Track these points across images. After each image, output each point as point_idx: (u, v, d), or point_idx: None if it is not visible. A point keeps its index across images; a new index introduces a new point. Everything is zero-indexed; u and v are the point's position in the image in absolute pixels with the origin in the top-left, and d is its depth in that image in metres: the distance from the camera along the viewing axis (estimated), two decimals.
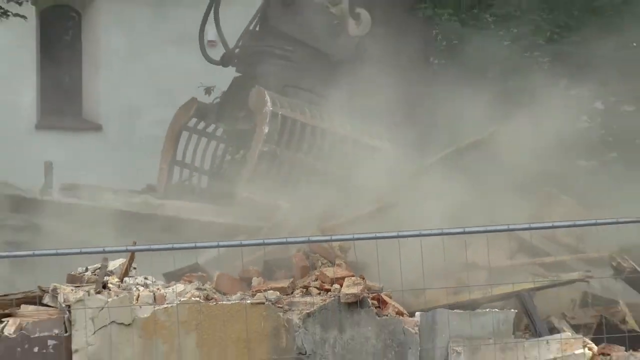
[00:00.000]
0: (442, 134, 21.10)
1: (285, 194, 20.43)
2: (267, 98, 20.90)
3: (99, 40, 36.44)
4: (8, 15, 28.07)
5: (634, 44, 25.47)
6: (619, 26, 26.68)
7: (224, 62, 21.69)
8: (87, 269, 18.32)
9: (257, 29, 21.36)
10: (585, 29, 27.69)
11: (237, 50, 21.59)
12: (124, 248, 18.31)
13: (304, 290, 17.77)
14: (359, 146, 21.36)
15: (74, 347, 17.01)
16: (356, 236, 18.02)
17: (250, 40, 21.44)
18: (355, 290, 17.42)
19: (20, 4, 28.94)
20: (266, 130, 20.62)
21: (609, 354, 17.34)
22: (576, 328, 17.96)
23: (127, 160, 25.22)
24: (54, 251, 18.51)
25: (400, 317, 17.48)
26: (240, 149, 21.27)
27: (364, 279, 17.79)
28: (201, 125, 22.18)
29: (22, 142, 31.74)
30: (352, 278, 17.80)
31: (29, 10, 31.01)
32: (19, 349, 17.02)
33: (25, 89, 35.27)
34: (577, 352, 17.18)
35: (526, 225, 18.19)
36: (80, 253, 18.57)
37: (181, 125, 21.96)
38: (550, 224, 18.03)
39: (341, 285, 17.61)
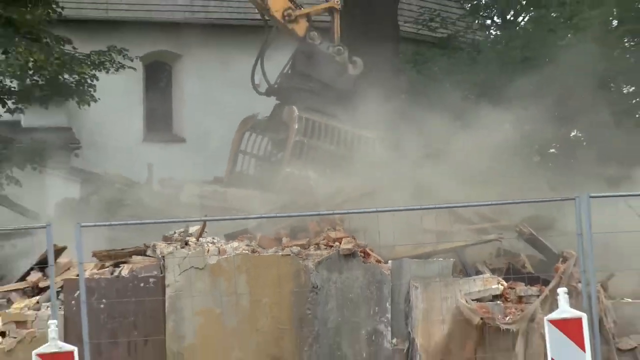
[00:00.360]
0: (413, 140, 21.22)
1: (312, 169, 20.58)
2: (294, 108, 21.05)
3: (183, 83, 36.40)
4: (125, 68, 27.98)
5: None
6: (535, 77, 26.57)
7: (268, 93, 21.78)
8: (175, 232, 18.59)
9: (289, 71, 21.39)
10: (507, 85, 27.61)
11: (275, 86, 21.66)
12: (199, 219, 18.68)
13: (316, 246, 18.05)
14: (355, 136, 21.44)
15: (166, 283, 17.31)
16: (349, 211, 18.46)
17: (285, 79, 21.46)
18: (349, 246, 17.77)
19: (132, 60, 28.87)
20: (296, 127, 20.73)
21: (513, 288, 17.52)
22: (493, 271, 18.13)
23: (201, 163, 25.27)
24: (153, 221, 18.91)
25: (379, 264, 17.77)
26: (280, 149, 21.35)
27: (354, 239, 18.09)
28: (256, 132, 22.19)
29: (134, 151, 31.75)
30: (347, 238, 18.11)
31: (138, 64, 31.04)
32: (130, 284, 17.28)
33: (136, 116, 35.26)
34: (493, 286, 17.41)
35: (462, 204, 18.56)
36: (171, 222, 19.00)
37: (243, 131, 22.03)
38: (475, 203, 18.34)
39: (340, 243, 17.91)
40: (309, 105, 21.25)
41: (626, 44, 36.82)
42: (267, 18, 21.20)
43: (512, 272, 18.32)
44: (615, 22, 38.58)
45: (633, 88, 35.10)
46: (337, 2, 21.50)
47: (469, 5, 47.27)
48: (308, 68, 21.26)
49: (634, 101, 35.52)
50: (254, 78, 21.82)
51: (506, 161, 20.33)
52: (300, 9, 21.16)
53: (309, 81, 21.30)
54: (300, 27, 20.89)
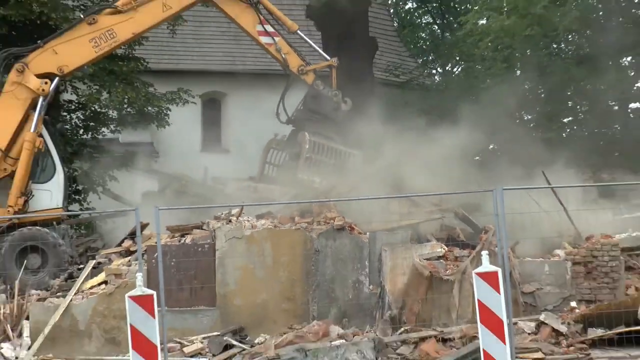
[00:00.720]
0: (386, 151, 21.04)
1: (317, 176, 20.40)
2: (306, 134, 20.84)
3: (229, 112, 36.35)
4: (188, 102, 27.80)
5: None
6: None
7: (287, 122, 21.60)
8: (222, 214, 18.44)
9: (302, 107, 21.22)
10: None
11: (292, 117, 21.49)
12: (238, 204, 18.55)
13: (318, 222, 17.89)
14: (346, 153, 21.22)
15: (216, 247, 17.22)
16: (340, 199, 18.30)
17: (298, 112, 21.27)
18: (340, 223, 17.65)
19: (193, 97, 28.68)
20: (307, 147, 20.55)
21: (451, 251, 17.36)
22: (437, 240, 17.98)
23: (240, 167, 25.06)
24: (207, 206, 18.80)
25: (360, 235, 17.64)
26: (294, 161, 21.12)
27: (344, 218, 17.93)
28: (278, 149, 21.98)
29: (194, 158, 31.60)
30: (339, 217, 17.93)
31: (198, 100, 30.90)
32: (192, 249, 17.26)
33: (195, 134, 35.27)
34: (437, 250, 17.26)
35: (415, 194, 18.40)
36: (219, 206, 18.91)
37: (269, 148, 21.84)
38: (425, 194, 18.19)
39: (334, 221, 17.74)
40: (315, 131, 21.05)
41: (525, 87, 36.85)
42: (287, 71, 20.90)
43: (450, 241, 18.29)
44: (518, 72, 38.55)
45: (530, 116, 35.09)
46: (335, 61, 21.39)
47: (421, 60, 47.18)
48: (314, 105, 21.11)
49: (531, 125, 35.47)
50: (278, 111, 21.56)
51: (450, 165, 20.16)
52: (309, 65, 20.98)
53: (315, 114, 21.13)
54: (309, 78, 20.79)
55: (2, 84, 19.34)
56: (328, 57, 21.63)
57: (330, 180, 20.35)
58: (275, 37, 20.80)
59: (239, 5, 20.59)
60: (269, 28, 20.80)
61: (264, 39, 20.85)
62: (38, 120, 19.33)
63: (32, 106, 19.31)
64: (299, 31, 21.57)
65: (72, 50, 19.58)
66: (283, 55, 20.75)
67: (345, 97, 21.24)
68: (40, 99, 19.31)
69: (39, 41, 20.10)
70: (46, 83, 19.27)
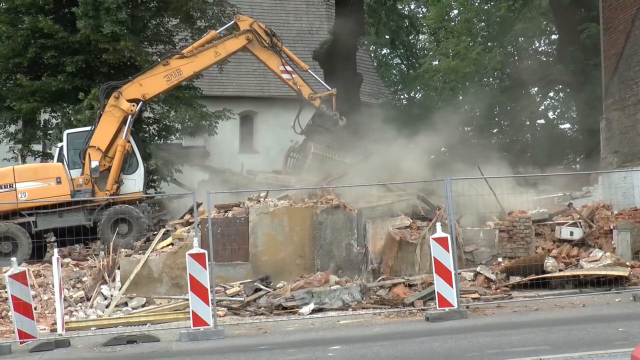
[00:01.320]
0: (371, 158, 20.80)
1: (316, 176, 20.11)
2: (312, 144, 20.64)
3: (259, 125, 36.43)
4: (229, 118, 27.59)
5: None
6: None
7: (300, 133, 21.37)
8: (254, 196, 18.21)
9: (311, 123, 20.99)
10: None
11: (304, 130, 21.26)
12: (265, 189, 18.31)
13: (321, 202, 17.62)
14: (339, 161, 21.01)
15: (250, 220, 17.00)
16: (337, 185, 18.06)
17: (309, 126, 21.06)
18: (337, 203, 17.40)
19: (233, 114, 28.54)
20: (310, 157, 20.41)
21: (415, 222, 17.19)
22: (405, 215, 17.72)
23: (267, 163, 24.88)
24: (243, 190, 18.55)
25: (351, 211, 17.38)
26: (304, 163, 20.86)
27: (340, 199, 17.69)
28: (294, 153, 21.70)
29: (234, 156, 31.39)
30: (336, 198, 17.67)
31: (236, 116, 30.83)
32: (232, 220, 17.03)
33: (235, 140, 35.14)
34: (405, 222, 17.10)
35: (388, 182, 18.18)
36: (251, 191, 18.65)
37: (288, 154, 21.58)
38: (396, 182, 18.00)
39: (332, 201, 17.50)
40: (320, 140, 20.88)
41: (465, 107, 36.81)
42: (300, 98, 20.81)
43: (414, 215, 18.04)
44: (460, 97, 38.42)
45: (469, 128, 34.92)
46: (335, 90, 21.44)
47: (393, 89, 46.98)
48: (320, 122, 21.03)
49: (470, 134, 35.31)
50: (294, 125, 21.35)
51: (414, 162, 19.94)
52: (317, 93, 21.01)
53: (320, 127, 20.98)
54: (317, 102, 20.83)
55: (103, 106, 19.75)
56: (329, 88, 21.59)
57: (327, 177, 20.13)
58: (292, 74, 20.84)
59: (267, 52, 20.65)
60: (289, 68, 20.82)
61: (284, 76, 20.91)
62: (128, 131, 19.65)
63: (124, 121, 19.62)
64: (309, 70, 21.53)
65: (152, 83, 20.04)
66: (298, 87, 20.74)
67: (342, 115, 21.10)
68: (130, 117, 19.65)
69: (129, 77, 20.68)
70: (134, 105, 19.67)
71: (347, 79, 27.50)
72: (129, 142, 19.66)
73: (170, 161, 25.79)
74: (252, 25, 20.52)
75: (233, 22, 21.30)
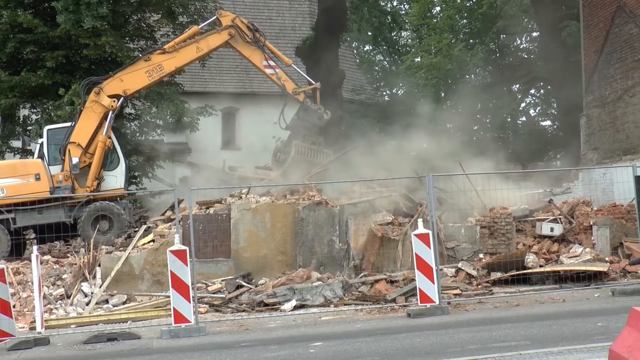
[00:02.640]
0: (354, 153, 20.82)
1: (300, 169, 20.07)
2: (294, 142, 20.55)
3: (242, 121, 36.26)
4: (212, 114, 27.56)
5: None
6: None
7: (285, 129, 21.27)
8: (235, 192, 18.15)
9: (296, 118, 20.86)
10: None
11: (289, 125, 21.15)
12: (246, 186, 18.25)
13: (303, 199, 17.59)
14: (322, 152, 20.95)
15: (231, 216, 16.95)
16: (319, 182, 18.06)
17: (293, 122, 20.92)
18: (319, 199, 17.38)
19: (215, 110, 28.44)
20: (292, 153, 20.33)
21: (397, 219, 17.19)
22: (388, 211, 17.73)
23: (248, 159, 24.81)
24: (225, 187, 18.48)
25: (332, 207, 17.35)
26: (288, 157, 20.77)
27: (321, 195, 17.68)
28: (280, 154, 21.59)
29: (216, 153, 31.31)
30: (318, 195, 17.66)
31: (219, 113, 30.68)
32: (214, 217, 16.96)
33: (217, 136, 34.96)
34: (387, 218, 17.12)
35: (369, 179, 18.18)
36: (233, 187, 18.55)
37: (275, 153, 21.39)
38: (377, 179, 17.99)
39: (314, 197, 17.47)
40: (306, 134, 20.80)
41: (447, 104, 36.87)
42: (284, 93, 20.71)
43: (396, 211, 18.05)
44: (442, 94, 38.51)
45: (450, 125, 35.03)
46: (319, 84, 21.28)
47: (375, 85, 47.00)
48: (305, 116, 20.80)
49: (451, 131, 35.39)
50: (279, 120, 21.24)
51: (395, 158, 19.97)
52: (300, 88, 20.84)
53: (305, 122, 20.79)
54: (301, 97, 20.59)
55: (84, 102, 19.58)
56: (313, 82, 21.46)
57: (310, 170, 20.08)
58: (276, 69, 20.64)
59: (250, 48, 20.44)
60: (272, 63, 20.64)
61: (268, 71, 20.72)
62: (108, 127, 19.52)
63: (104, 117, 19.45)
64: (292, 65, 21.35)
65: (133, 78, 19.82)
66: (282, 82, 20.56)
67: (326, 110, 21.02)
68: (110, 112, 19.49)
69: (110, 72, 20.49)
70: (115, 101, 19.46)
71: (330, 76, 27.46)
72: (109, 138, 19.51)
73: (152, 157, 25.70)
74: (235, 20, 20.33)
75: (215, 17, 21.11)
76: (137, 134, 26.54)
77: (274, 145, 21.99)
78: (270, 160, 21.94)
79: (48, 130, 19.89)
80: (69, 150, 19.03)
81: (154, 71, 19.86)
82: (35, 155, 20.30)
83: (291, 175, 19.88)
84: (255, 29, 20.63)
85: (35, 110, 25.35)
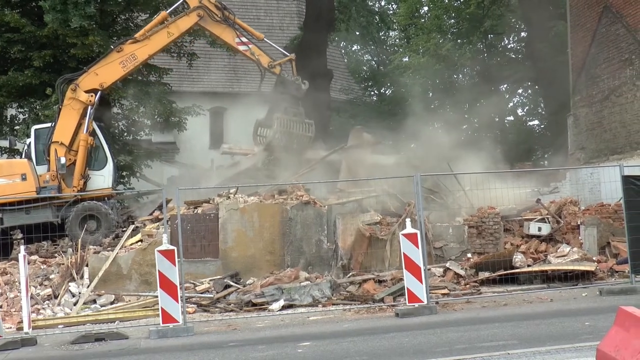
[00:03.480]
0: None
1: (284, 143, 20.08)
2: (276, 115, 20.55)
3: (229, 120, 36.29)
4: (199, 114, 27.47)
5: None
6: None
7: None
8: (224, 192, 18.10)
9: (275, 90, 20.87)
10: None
11: (269, 99, 21.23)
12: (235, 185, 18.21)
13: (291, 198, 17.58)
14: (305, 123, 20.88)
15: (219, 216, 16.94)
16: (307, 182, 18.05)
17: (272, 95, 21.28)
18: (307, 199, 17.39)
19: (203, 110, 28.41)
20: (276, 124, 20.43)
21: (385, 219, 17.22)
22: (376, 211, 17.74)
23: (237, 159, 24.80)
24: (213, 186, 18.45)
25: (320, 207, 17.36)
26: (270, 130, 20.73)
27: (309, 195, 17.68)
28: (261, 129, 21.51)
29: (204, 152, 31.21)
30: (306, 194, 17.66)
31: (206, 112, 30.59)
32: (202, 217, 16.96)
33: (205, 135, 34.96)
34: (374, 218, 17.13)
35: (356, 179, 18.16)
36: (221, 187, 18.52)
37: (256, 129, 21.29)
38: (364, 178, 17.96)
39: (302, 197, 17.47)
40: (286, 107, 20.78)
41: (435, 104, 36.89)
42: (260, 68, 20.63)
43: (384, 211, 18.05)
44: (430, 94, 38.57)
45: (438, 125, 35.07)
46: (293, 55, 21.25)
47: (363, 85, 47.02)
48: (283, 88, 20.84)
49: (439, 131, 35.41)
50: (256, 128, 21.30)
51: (383, 158, 19.98)
52: (276, 61, 20.66)
53: (284, 94, 20.76)
54: (277, 70, 20.55)
55: (62, 100, 19.45)
56: (287, 54, 21.33)
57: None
58: (249, 45, 20.48)
59: (221, 26, 20.31)
60: (244, 39, 20.49)
61: (241, 47, 20.57)
62: (89, 123, 19.33)
63: (84, 113, 19.31)
64: (265, 39, 21.20)
65: (108, 71, 19.66)
66: (256, 57, 20.45)
67: (304, 80, 20.89)
68: (90, 108, 19.32)
69: (84, 67, 20.33)
70: (92, 96, 19.32)
71: (318, 75, 27.45)
72: (92, 136, 19.38)
73: (140, 157, 25.62)
74: (202, 1, 20.06)
75: (182, 0, 20.66)
76: (125, 134, 26.47)
77: (255, 121, 21.81)
78: (252, 137, 21.80)
79: (35, 130, 19.78)
80: (55, 150, 18.89)
81: (128, 61, 19.68)
82: (23, 155, 20.18)
83: (274, 149, 19.78)
84: (224, 7, 20.40)
85: (22, 110, 25.21)
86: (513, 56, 41.81)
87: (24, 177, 18.67)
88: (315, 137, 21.50)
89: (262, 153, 20.88)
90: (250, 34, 20.81)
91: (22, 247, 12.99)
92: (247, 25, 21.27)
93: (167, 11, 20.67)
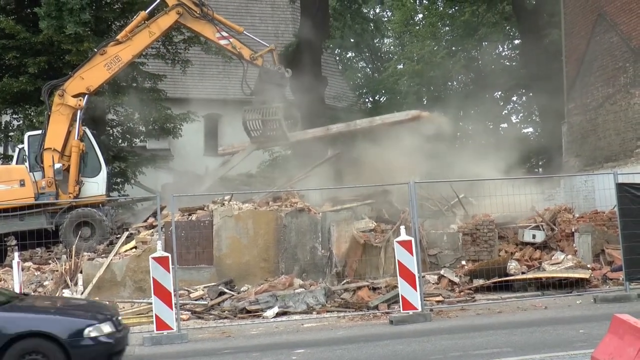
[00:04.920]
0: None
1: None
2: (275, 105, 20.48)
3: (224, 127, 36.15)
4: (194, 121, 27.50)
5: None
6: None
7: (251, 94, 20.93)
8: (218, 199, 18.08)
9: (259, 81, 20.31)
10: None
11: (253, 90, 20.85)
12: (229, 192, 18.21)
13: (286, 205, 17.56)
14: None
15: (214, 223, 16.91)
16: (301, 189, 18.04)
17: (257, 86, 20.73)
18: (301, 206, 17.37)
19: (198, 117, 28.40)
20: (280, 115, 20.50)
21: (379, 225, 17.22)
22: (370, 218, 17.74)
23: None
24: (207, 193, 18.44)
25: (315, 214, 17.33)
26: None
27: (304, 202, 17.68)
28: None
29: (198, 159, 31.14)
30: (300, 202, 17.65)
31: (201, 119, 30.61)
32: (196, 223, 16.93)
33: (200, 142, 34.87)
34: (370, 225, 17.17)
35: (356, 185, 18.15)
36: (216, 194, 18.48)
37: (245, 121, 21.04)
38: (360, 185, 17.93)
39: (297, 204, 17.45)
40: (272, 97, 20.62)
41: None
42: (242, 60, 20.71)
43: (378, 218, 18.06)
44: (425, 101, 38.67)
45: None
46: (274, 45, 21.35)
47: (357, 92, 47.07)
48: (267, 78, 20.52)
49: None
50: (242, 88, 20.95)
51: (379, 165, 19.96)
52: (257, 53, 20.53)
53: (268, 84, 20.52)
54: (259, 61, 20.47)
55: (49, 107, 19.44)
56: (267, 45, 21.24)
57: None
58: (230, 39, 20.48)
59: (200, 22, 20.29)
60: (224, 34, 20.48)
61: (222, 42, 20.61)
62: (79, 128, 19.30)
63: (74, 119, 19.30)
64: (245, 32, 21.14)
65: (93, 74, 19.61)
66: (238, 50, 20.47)
67: (287, 68, 20.87)
68: (79, 112, 19.29)
69: (69, 72, 20.35)
70: (80, 99, 19.28)
71: (312, 82, 27.47)
72: (82, 141, 19.32)
73: (135, 164, 25.58)
74: None
75: None
76: (120, 140, 26.45)
77: (241, 116, 21.63)
78: (244, 131, 21.57)
79: (29, 136, 19.74)
80: (52, 157, 18.80)
81: (112, 63, 19.63)
82: (14, 161, 20.14)
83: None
84: (202, 3, 20.35)
85: (17, 116, 25.18)
86: (507, 63, 41.93)
87: (22, 183, 18.64)
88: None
89: (251, 147, 20.77)
90: (230, 28, 20.79)
91: (16, 254, 13.03)
92: (226, 19, 21.24)
93: (147, 11, 20.47)
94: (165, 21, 20.18)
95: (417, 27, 42.21)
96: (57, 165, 18.70)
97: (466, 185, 18.36)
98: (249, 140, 21.74)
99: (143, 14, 20.27)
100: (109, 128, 25.91)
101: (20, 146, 20.22)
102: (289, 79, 20.89)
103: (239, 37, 20.82)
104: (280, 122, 20.51)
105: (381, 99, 47.51)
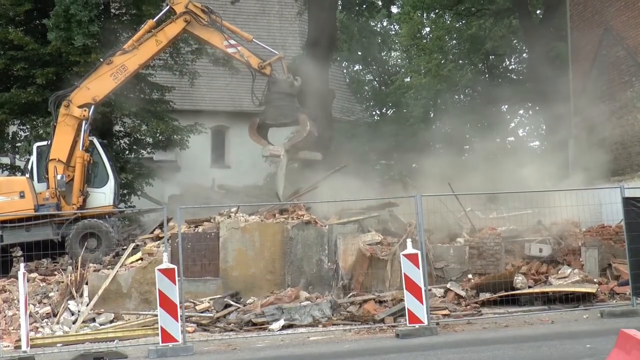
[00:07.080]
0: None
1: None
2: (308, 121, 20.44)
3: (230, 139, 36.20)
4: (202, 132, 27.51)
5: None
6: None
7: (260, 105, 20.78)
8: (225, 211, 18.07)
9: (268, 90, 20.23)
10: None
11: (262, 100, 20.83)
12: (236, 205, 18.19)
13: (292, 218, 17.55)
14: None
15: (220, 235, 16.89)
16: (308, 202, 18.02)
17: (266, 95, 20.57)
18: (308, 218, 17.36)
19: (205, 129, 28.39)
20: (307, 128, 20.30)
21: (385, 238, 17.15)
22: (376, 231, 17.69)
23: (238, 178, 24.72)
24: (214, 205, 18.42)
25: (321, 227, 17.30)
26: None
27: (310, 214, 17.66)
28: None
29: (205, 171, 31.19)
30: (307, 214, 17.64)
31: (208, 131, 30.59)
32: (203, 235, 16.91)
33: (207, 154, 35.04)
34: (376, 238, 17.08)
35: (362, 198, 18.14)
36: (222, 206, 18.49)
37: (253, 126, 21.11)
38: (363, 199, 17.92)
39: (303, 217, 17.44)
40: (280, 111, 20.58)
41: (437, 124, 36.88)
42: (250, 69, 20.53)
43: (385, 231, 18.01)
44: (432, 114, 38.62)
45: (439, 145, 35.10)
46: (282, 54, 21.18)
47: (364, 105, 47.11)
48: (276, 88, 20.27)
49: (440, 151, 35.43)
50: (252, 99, 20.99)
51: (384, 178, 19.96)
52: (265, 61, 20.28)
53: (278, 94, 20.29)
54: (267, 70, 20.20)
55: (56, 117, 19.40)
56: (277, 53, 21.04)
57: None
58: (237, 47, 20.29)
59: (208, 30, 20.09)
60: (233, 42, 20.30)
61: (230, 50, 20.40)
62: (84, 138, 19.24)
63: (80, 129, 19.26)
64: (254, 40, 20.95)
65: (99, 84, 19.49)
66: (246, 58, 20.27)
67: (295, 76, 20.67)
68: (84, 123, 19.25)
69: (75, 83, 20.19)
70: (86, 110, 19.22)
71: (320, 95, 27.48)
72: (88, 152, 19.30)
73: (142, 175, 25.61)
74: (188, 6, 19.90)
75: (168, 7, 20.35)
76: (127, 152, 26.50)
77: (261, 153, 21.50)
78: (265, 157, 21.32)
79: (37, 147, 19.75)
80: (55, 168, 18.82)
81: (119, 73, 19.47)
82: (23, 172, 20.16)
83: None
84: (210, 10, 20.22)
85: (24, 127, 25.27)
86: (514, 77, 41.93)
87: (22, 195, 18.62)
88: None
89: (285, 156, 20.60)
90: (239, 35, 20.67)
91: (21, 265, 12.96)
92: (234, 27, 21.10)
93: (154, 19, 20.31)
94: (172, 29, 20.03)
95: (425, 41, 42.24)
96: (60, 177, 18.71)
97: (472, 198, 18.30)
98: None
99: (151, 22, 20.14)
100: (115, 139, 25.95)
101: (30, 158, 20.26)
102: (298, 87, 20.70)
103: (247, 45, 20.73)
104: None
105: (388, 112, 47.59)
